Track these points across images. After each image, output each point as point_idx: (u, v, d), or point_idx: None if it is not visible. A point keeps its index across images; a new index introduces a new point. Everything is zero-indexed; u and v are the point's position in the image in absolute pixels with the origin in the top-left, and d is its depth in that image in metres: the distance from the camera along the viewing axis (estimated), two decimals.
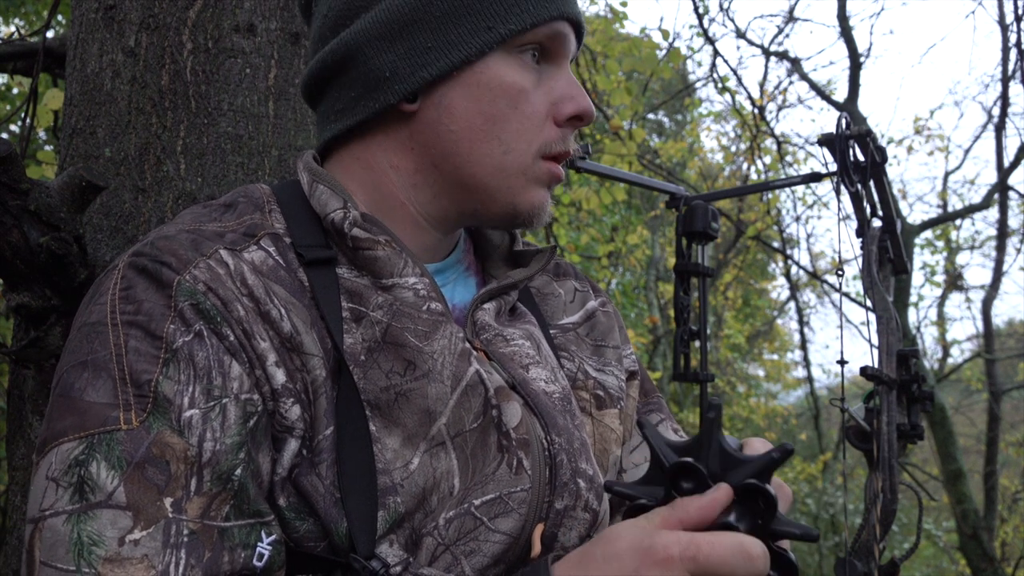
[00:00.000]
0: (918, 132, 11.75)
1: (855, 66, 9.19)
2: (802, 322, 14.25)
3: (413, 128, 0.84)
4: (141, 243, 0.77)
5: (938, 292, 12.01)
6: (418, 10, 0.81)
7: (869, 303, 1.29)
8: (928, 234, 11.29)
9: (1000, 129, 8.88)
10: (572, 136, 0.87)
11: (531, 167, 0.84)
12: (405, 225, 0.86)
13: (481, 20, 0.80)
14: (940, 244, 11.65)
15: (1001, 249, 9.50)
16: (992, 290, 9.58)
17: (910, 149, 12.55)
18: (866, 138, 1.33)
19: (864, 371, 1.22)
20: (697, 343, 1.64)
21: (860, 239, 1.39)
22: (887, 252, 1.39)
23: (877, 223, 1.38)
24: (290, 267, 0.79)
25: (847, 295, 7.23)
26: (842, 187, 1.34)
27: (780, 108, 11.25)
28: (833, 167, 1.37)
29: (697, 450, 0.66)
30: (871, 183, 1.37)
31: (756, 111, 6.38)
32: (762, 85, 10.59)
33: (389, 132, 0.85)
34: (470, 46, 0.80)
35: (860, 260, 1.33)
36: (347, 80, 0.85)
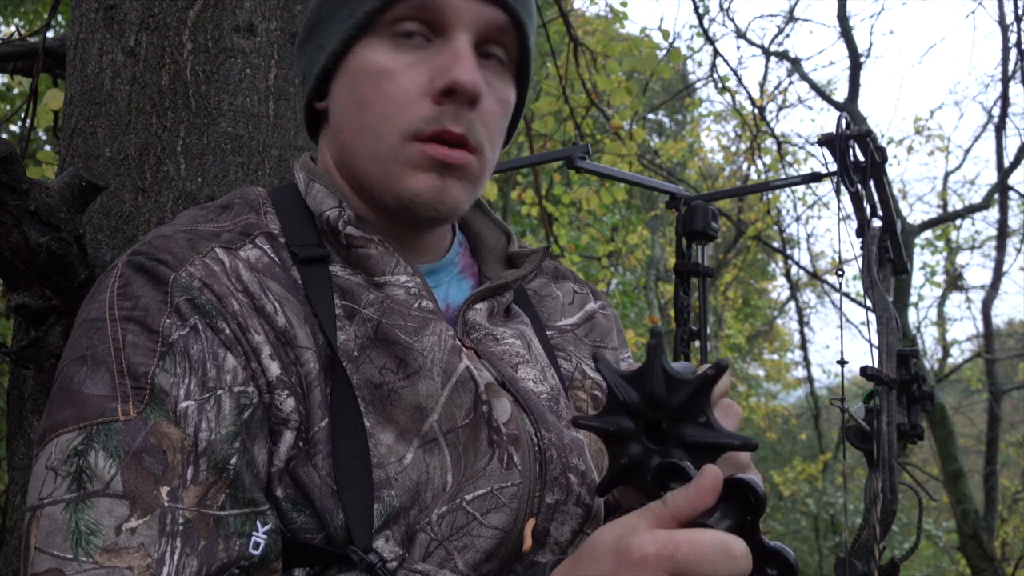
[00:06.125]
0: (918, 132, 11.74)
1: (855, 66, 9.19)
2: (802, 322, 14.26)
3: (331, 124, 0.88)
4: (139, 243, 0.79)
5: (938, 292, 12.02)
6: (316, 13, 0.86)
7: (869, 303, 1.29)
8: (928, 234, 11.29)
9: (1000, 129, 8.88)
10: (464, 113, 0.79)
11: (400, 151, 0.79)
12: (373, 219, 0.87)
13: (349, 7, 0.82)
14: (940, 244, 11.66)
15: (1001, 249, 9.50)
16: (992, 290, 9.58)
17: (910, 149, 12.56)
18: (866, 138, 1.33)
19: (864, 371, 1.23)
20: (697, 343, 1.65)
21: (860, 239, 1.39)
22: (887, 252, 1.39)
23: (877, 223, 1.38)
24: (284, 265, 0.81)
25: (847, 295, 7.24)
26: (842, 187, 1.34)
27: (780, 108, 11.25)
28: (833, 167, 1.38)
29: (643, 375, 0.67)
30: (871, 183, 1.38)
31: (756, 111, 6.38)
32: (762, 85, 10.60)
33: (325, 133, 0.90)
34: (340, 34, 0.83)
35: (860, 260, 1.34)
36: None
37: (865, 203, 1.37)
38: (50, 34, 2.22)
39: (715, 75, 8.30)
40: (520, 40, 0.83)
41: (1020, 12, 6.79)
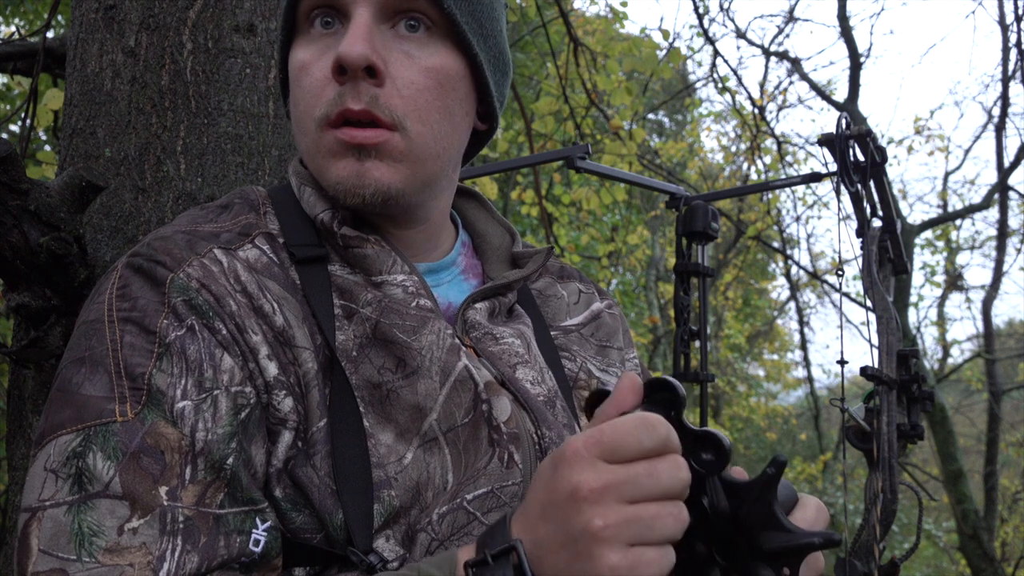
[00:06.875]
0: (918, 132, 11.74)
1: (855, 66, 9.19)
2: (802, 322, 14.27)
3: None
4: (139, 244, 0.79)
5: (938, 292, 12.02)
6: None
7: (869, 303, 1.29)
8: (928, 234, 11.29)
9: (1000, 129, 8.88)
10: (364, 88, 0.77)
11: (319, 141, 0.80)
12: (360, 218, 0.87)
13: (282, 10, 0.85)
14: (940, 244, 11.66)
15: (1001, 249, 9.50)
16: (992, 290, 9.58)
17: (910, 149, 12.58)
18: (866, 138, 1.33)
19: (864, 371, 1.23)
20: (697, 343, 1.64)
21: (860, 239, 1.39)
22: (887, 252, 1.39)
23: (877, 223, 1.38)
24: (283, 265, 0.81)
25: (847, 295, 7.23)
26: (842, 187, 1.34)
27: (780, 108, 11.24)
28: (833, 167, 1.38)
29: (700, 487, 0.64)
30: (871, 183, 1.38)
31: (756, 111, 6.38)
32: (762, 85, 10.60)
33: None
34: (280, 39, 0.86)
35: (860, 260, 1.33)
36: None
37: (865, 203, 1.37)
38: (50, 34, 2.22)
39: (715, 75, 8.30)
40: (435, 3, 0.80)
41: (1020, 12, 6.79)
